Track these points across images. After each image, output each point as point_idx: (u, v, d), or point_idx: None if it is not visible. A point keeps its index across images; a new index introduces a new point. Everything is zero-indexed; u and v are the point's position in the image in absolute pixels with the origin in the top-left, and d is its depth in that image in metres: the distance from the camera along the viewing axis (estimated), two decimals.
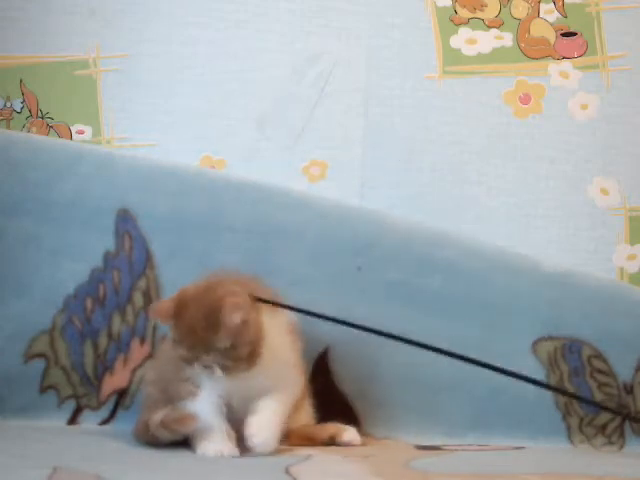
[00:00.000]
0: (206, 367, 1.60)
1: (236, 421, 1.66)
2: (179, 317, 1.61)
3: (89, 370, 1.94)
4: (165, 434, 1.65)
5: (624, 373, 1.97)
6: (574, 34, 2.20)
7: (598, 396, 1.97)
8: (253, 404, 1.65)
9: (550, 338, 1.98)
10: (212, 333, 1.58)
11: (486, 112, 2.18)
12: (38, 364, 1.92)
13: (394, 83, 2.18)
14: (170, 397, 1.70)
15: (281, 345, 1.70)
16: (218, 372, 1.60)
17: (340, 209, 2.02)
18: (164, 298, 1.95)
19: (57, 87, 2.16)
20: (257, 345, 1.62)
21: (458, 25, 2.19)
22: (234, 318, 1.57)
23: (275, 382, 1.67)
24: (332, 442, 1.79)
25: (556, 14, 2.20)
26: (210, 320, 1.58)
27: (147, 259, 1.96)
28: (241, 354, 1.60)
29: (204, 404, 1.66)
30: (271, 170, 2.14)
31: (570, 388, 1.97)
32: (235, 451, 1.63)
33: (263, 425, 1.63)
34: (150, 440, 1.68)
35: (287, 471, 1.51)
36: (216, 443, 1.62)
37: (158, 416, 1.67)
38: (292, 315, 1.75)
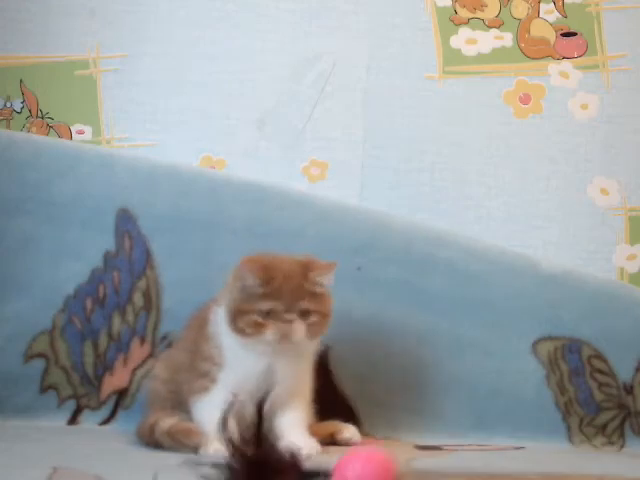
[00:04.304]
0: (291, 324, 1.64)
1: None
2: (271, 269, 1.65)
3: (89, 370, 1.94)
4: (170, 443, 1.66)
5: (624, 373, 1.97)
6: (574, 34, 2.20)
7: (598, 396, 1.97)
8: (279, 408, 1.69)
9: (550, 338, 1.98)
10: (308, 274, 1.66)
11: (486, 112, 2.18)
12: (38, 364, 1.93)
13: (394, 83, 2.18)
14: (181, 399, 1.72)
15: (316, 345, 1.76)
16: (300, 331, 1.64)
17: (340, 209, 2.03)
18: (164, 298, 1.95)
19: (57, 87, 2.15)
20: (331, 310, 1.69)
21: (458, 25, 2.19)
22: (327, 264, 1.69)
23: (303, 380, 1.73)
24: (332, 440, 1.79)
25: (556, 14, 2.20)
26: (305, 265, 1.67)
27: (147, 259, 1.96)
28: (324, 308, 1.67)
29: (216, 400, 1.66)
30: (271, 170, 2.14)
31: (570, 388, 1.97)
32: None
33: (304, 435, 1.70)
34: (153, 443, 1.69)
35: None
36: (217, 443, 1.62)
37: (165, 423, 1.69)
38: None
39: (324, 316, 1.68)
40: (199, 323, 1.75)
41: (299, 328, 1.65)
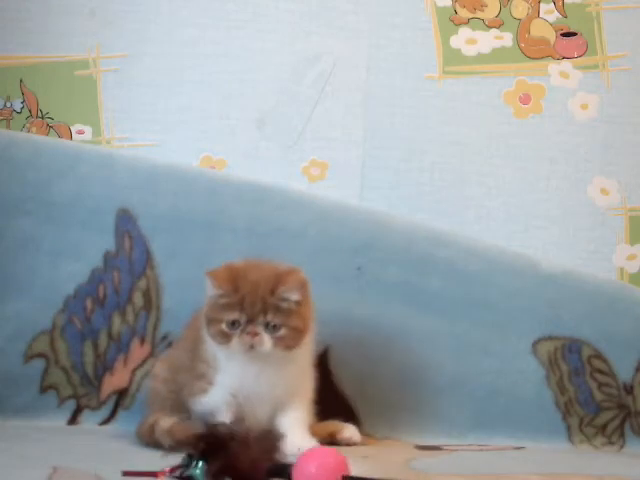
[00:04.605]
0: (255, 336, 1.63)
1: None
2: (238, 279, 1.65)
3: (89, 370, 1.94)
4: (170, 443, 1.65)
5: (624, 373, 1.97)
6: (574, 34, 2.20)
7: (598, 396, 1.97)
8: (274, 409, 1.69)
9: (550, 338, 1.98)
10: (276, 289, 1.65)
11: (486, 112, 2.18)
12: (38, 364, 1.93)
13: (394, 83, 2.18)
14: (181, 399, 1.72)
15: (309, 349, 1.75)
16: (267, 343, 1.64)
17: (340, 209, 2.03)
18: (164, 298, 1.95)
19: (57, 87, 2.15)
20: (307, 324, 1.68)
21: (458, 25, 2.19)
22: (299, 280, 1.66)
23: (300, 383, 1.73)
24: (332, 439, 1.79)
25: (556, 14, 2.20)
26: (275, 279, 1.66)
27: (147, 259, 1.96)
28: (295, 323, 1.65)
29: (214, 402, 1.67)
30: (271, 170, 2.14)
31: (570, 388, 1.97)
32: None
33: (304, 435, 1.70)
34: (153, 443, 1.69)
35: None
36: None
37: (166, 423, 1.69)
38: None
39: (295, 330, 1.66)
40: (199, 324, 1.75)
41: (264, 340, 1.64)
